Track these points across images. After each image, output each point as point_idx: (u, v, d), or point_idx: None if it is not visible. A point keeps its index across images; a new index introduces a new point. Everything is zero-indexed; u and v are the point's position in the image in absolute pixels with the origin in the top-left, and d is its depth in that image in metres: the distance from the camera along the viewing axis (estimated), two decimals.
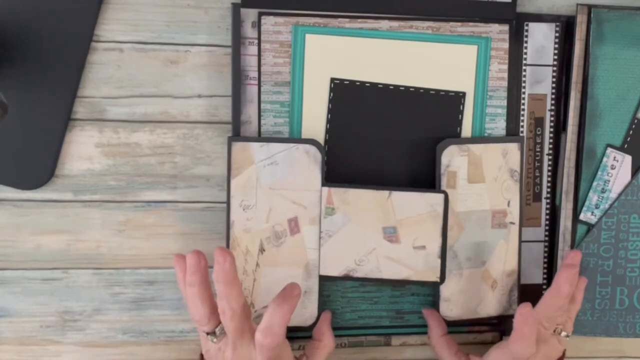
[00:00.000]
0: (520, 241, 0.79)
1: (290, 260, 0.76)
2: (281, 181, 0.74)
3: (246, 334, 0.67)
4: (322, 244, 0.75)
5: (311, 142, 0.74)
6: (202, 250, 0.76)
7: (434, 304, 0.79)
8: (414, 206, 0.75)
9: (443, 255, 0.76)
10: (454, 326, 0.79)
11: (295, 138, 0.75)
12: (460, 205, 0.77)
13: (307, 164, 0.74)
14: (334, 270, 0.76)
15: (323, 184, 0.75)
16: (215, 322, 0.68)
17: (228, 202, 0.75)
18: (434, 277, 0.76)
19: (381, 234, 0.76)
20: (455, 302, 0.78)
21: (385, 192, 0.75)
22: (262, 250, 0.75)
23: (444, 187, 0.76)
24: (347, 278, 0.76)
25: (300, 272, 0.75)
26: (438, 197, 0.76)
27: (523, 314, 0.70)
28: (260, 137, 0.75)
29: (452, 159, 0.76)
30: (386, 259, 0.76)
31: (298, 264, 0.75)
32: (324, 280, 0.76)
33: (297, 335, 0.78)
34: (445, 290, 0.78)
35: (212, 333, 0.69)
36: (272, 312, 0.65)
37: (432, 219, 0.76)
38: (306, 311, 0.77)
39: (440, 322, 0.78)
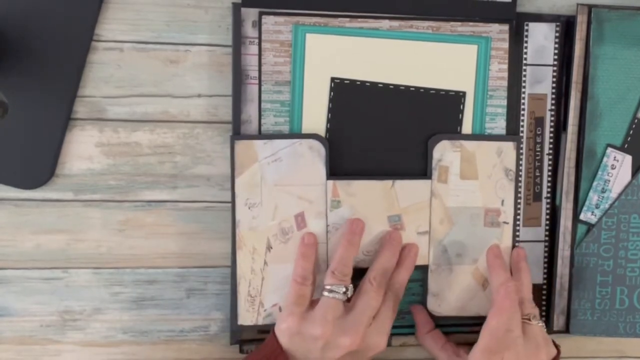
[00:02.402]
0: (515, 241, 0.79)
1: None
2: (286, 177, 0.75)
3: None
4: (329, 238, 0.76)
5: (314, 136, 0.75)
6: (203, 250, 0.77)
7: (422, 299, 0.80)
8: (416, 194, 0.77)
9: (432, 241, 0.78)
10: (447, 326, 0.80)
11: (298, 133, 0.76)
12: (451, 201, 0.77)
13: (311, 159, 0.75)
14: None
15: (328, 178, 0.75)
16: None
17: (233, 202, 0.75)
18: (423, 261, 0.78)
19: (387, 222, 0.77)
20: (443, 297, 0.79)
21: (389, 182, 0.76)
22: (269, 248, 0.75)
23: (435, 180, 0.77)
24: (355, 269, 0.75)
25: None
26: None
27: (507, 287, 0.74)
28: (263, 135, 0.75)
29: (444, 153, 0.77)
30: None
31: None
32: None
33: None
34: (433, 284, 0.79)
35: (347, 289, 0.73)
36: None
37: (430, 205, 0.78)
38: None
39: (426, 319, 0.79)
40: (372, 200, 0.76)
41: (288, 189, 0.75)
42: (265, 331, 0.76)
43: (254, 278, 0.76)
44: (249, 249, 0.75)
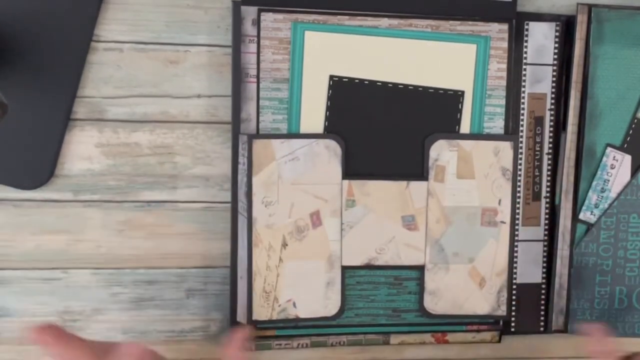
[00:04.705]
0: (513, 241, 0.80)
1: (313, 252, 0.77)
2: (302, 176, 0.76)
3: None
4: (343, 236, 0.77)
5: (331, 136, 0.76)
6: (202, 251, 0.77)
7: (419, 297, 0.80)
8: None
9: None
10: (443, 324, 0.81)
11: (315, 133, 0.76)
12: (448, 200, 0.78)
13: (328, 158, 0.76)
14: (355, 260, 0.78)
15: (343, 177, 0.77)
16: None
17: (249, 200, 0.75)
18: (419, 260, 0.79)
19: (400, 222, 0.78)
20: (440, 296, 0.80)
21: (404, 183, 0.78)
22: (284, 245, 0.77)
23: (431, 180, 0.78)
24: (368, 267, 0.78)
25: (323, 264, 0.77)
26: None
27: None
28: (280, 134, 0.76)
29: (441, 153, 0.78)
30: (405, 246, 0.78)
31: (321, 256, 0.77)
32: (346, 270, 0.78)
33: (320, 324, 0.79)
34: (430, 283, 0.79)
35: None
36: None
37: None
38: (329, 302, 0.78)
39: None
40: (387, 201, 0.77)
41: (304, 187, 0.76)
42: (261, 328, 0.78)
43: (269, 274, 0.77)
44: (265, 246, 0.76)
